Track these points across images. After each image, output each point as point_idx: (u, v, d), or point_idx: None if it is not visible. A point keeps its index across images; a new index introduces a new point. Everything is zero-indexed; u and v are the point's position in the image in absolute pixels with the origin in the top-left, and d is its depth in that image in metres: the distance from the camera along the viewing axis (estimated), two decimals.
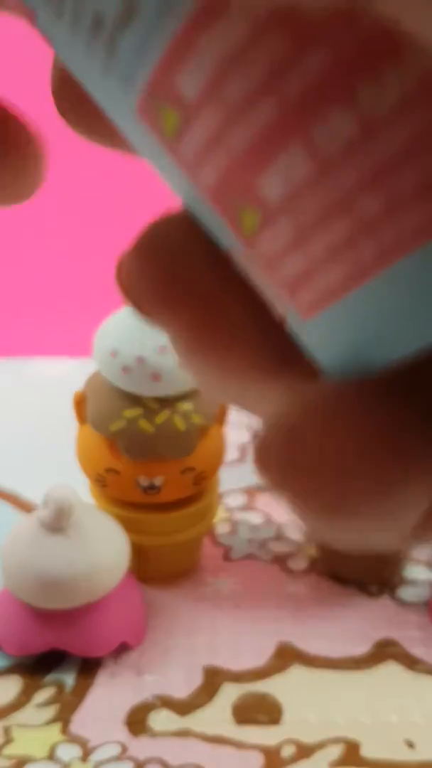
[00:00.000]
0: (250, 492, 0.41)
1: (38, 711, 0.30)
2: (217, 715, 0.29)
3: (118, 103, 0.09)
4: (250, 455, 0.38)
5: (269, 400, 0.12)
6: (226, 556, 0.37)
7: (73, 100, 0.15)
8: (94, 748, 0.28)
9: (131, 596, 0.32)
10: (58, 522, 0.29)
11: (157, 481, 0.32)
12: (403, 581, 0.35)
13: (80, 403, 0.33)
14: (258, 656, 0.32)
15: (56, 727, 0.29)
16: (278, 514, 0.40)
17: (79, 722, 0.29)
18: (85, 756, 0.28)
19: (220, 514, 0.39)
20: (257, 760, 0.28)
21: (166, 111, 0.09)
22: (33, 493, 0.41)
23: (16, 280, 0.61)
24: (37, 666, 0.31)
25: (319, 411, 0.11)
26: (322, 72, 0.07)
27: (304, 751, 0.28)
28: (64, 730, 0.29)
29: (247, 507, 0.40)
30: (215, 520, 0.38)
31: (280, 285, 0.09)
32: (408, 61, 0.07)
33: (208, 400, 0.32)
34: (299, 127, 0.08)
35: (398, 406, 0.10)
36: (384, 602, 0.34)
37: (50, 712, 0.29)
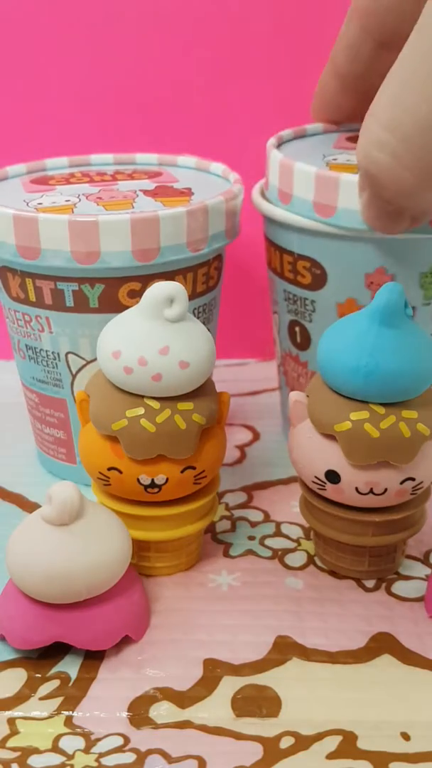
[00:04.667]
0: (249, 491, 0.42)
1: (42, 703, 0.30)
2: (216, 708, 0.30)
3: None
4: (250, 455, 0.39)
5: None
6: (226, 553, 0.37)
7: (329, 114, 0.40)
8: (97, 740, 0.29)
9: (133, 591, 0.32)
10: (61, 518, 0.30)
11: (159, 479, 0.32)
12: (399, 576, 0.36)
13: (83, 403, 0.33)
14: (257, 650, 0.32)
15: (60, 720, 0.29)
16: (277, 512, 0.40)
17: (82, 714, 0.30)
18: (88, 747, 0.28)
19: (221, 512, 0.40)
20: (256, 751, 0.28)
21: None
22: (38, 497, 0.41)
23: None
24: (40, 659, 0.32)
25: None
26: None
27: (302, 742, 0.28)
28: (68, 722, 0.29)
29: (247, 505, 0.41)
30: (215, 517, 0.39)
31: None
32: None
33: None
34: None
35: None
36: (380, 597, 0.35)
37: (54, 704, 0.30)
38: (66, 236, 0.34)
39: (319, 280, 0.38)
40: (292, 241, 0.38)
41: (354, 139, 0.40)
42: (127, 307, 0.36)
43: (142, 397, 0.32)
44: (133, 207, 0.36)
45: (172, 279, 0.37)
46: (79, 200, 0.38)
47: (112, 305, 0.36)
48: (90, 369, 0.38)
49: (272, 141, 0.40)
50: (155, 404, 0.31)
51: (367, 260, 0.36)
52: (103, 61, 0.49)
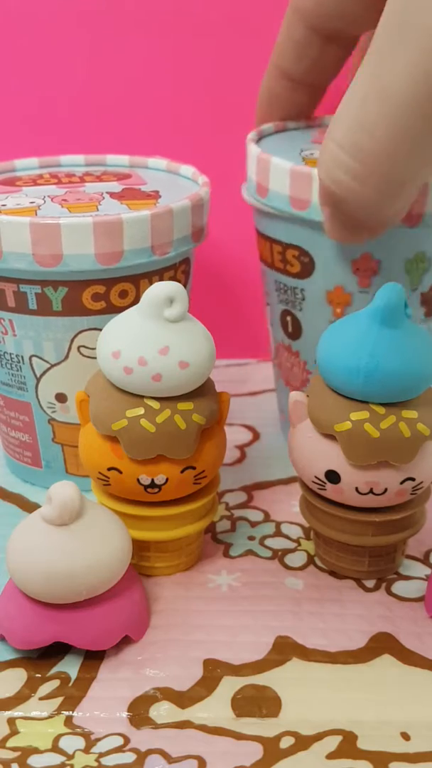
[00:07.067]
0: (249, 491, 0.42)
1: (42, 703, 0.30)
2: (216, 708, 0.30)
3: None
4: (250, 455, 0.39)
5: None
6: (226, 553, 0.37)
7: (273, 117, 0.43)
8: (97, 740, 0.29)
9: (133, 591, 0.32)
10: (61, 518, 0.30)
11: (159, 479, 0.32)
12: (399, 576, 0.36)
13: (83, 403, 0.33)
14: (257, 650, 0.32)
15: (60, 720, 0.29)
16: (277, 512, 0.40)
17: (82, 714, 0.30)
18: (88, 747, 0.28)
19: (221, 512, 0.40)
20: (256, 751, 0.28)
21: None
22: (38, 497, 0.41)
23: None
24: (40, 659, 0.32)
25: None
26: None
27: (302, 742, 0.28)
28: (68, 722, 0.29)
29: (247, 505, 0.41)
30: (216, 517, 0.39)
31: None
32: None
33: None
34: None
35: None
36: (380, 597, 0.35)
37: (54, 704, 0.30)
38: (28, 239, 0.34)
39: (307, 268, 0.38)
40: (280, 231, 0.38)
41: None
42: (90, 311, 0.36)
43: (142, 397, 0.32)
44: (98, 210, 0.36)
45: (137, 282, 0.36)
46: (44, 202, 0.37)
47: (75, 308, 0.36)
48: (53, 372, 0.38)
49: (252, 135, 0.40)
50: (155, 404, 0.31)
51: (353, 247, 0.36)
52: (103, 63, 0.49)
